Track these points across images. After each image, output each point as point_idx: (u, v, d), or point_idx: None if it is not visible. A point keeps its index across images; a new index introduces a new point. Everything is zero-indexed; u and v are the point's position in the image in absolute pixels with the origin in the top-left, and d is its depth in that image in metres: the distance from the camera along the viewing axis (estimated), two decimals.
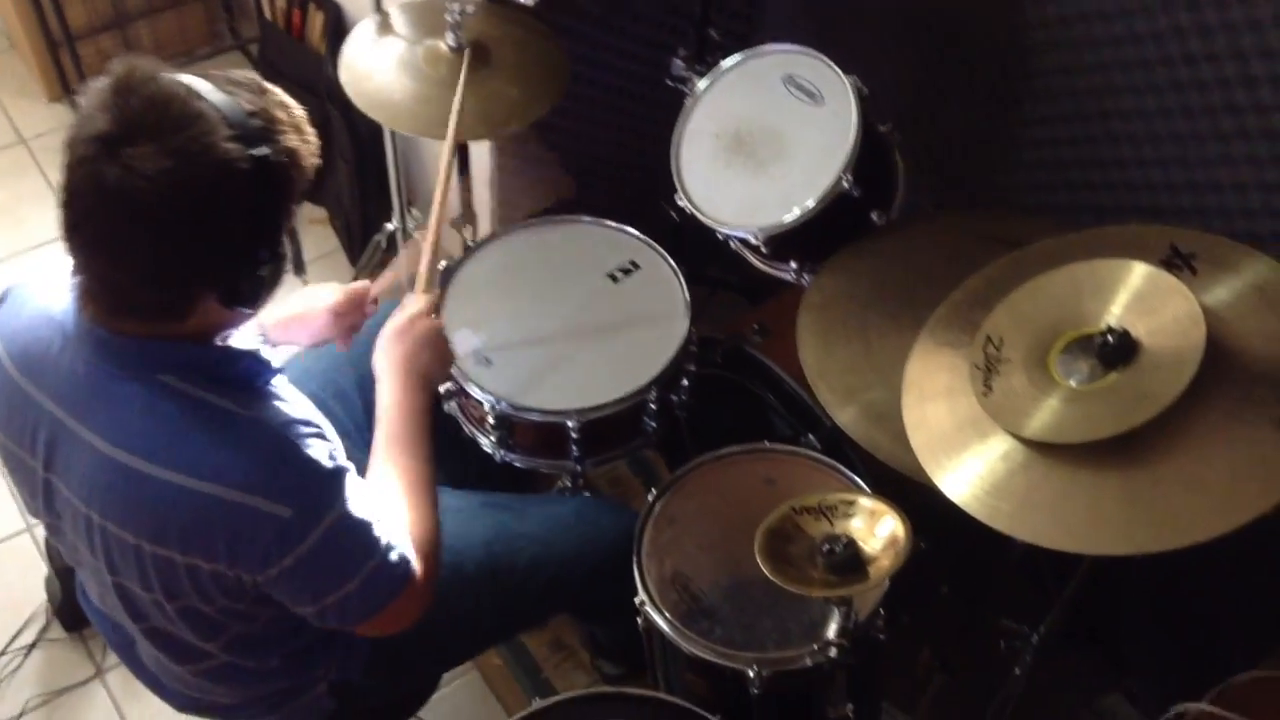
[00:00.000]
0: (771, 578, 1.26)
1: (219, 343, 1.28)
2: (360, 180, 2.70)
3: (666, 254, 1.91)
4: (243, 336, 1.38)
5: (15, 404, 1.31)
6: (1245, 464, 1.04)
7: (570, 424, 1.74)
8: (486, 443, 1.83)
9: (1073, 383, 1.17)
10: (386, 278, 1.82)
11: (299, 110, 1.23)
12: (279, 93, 1.22)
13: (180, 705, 1.58)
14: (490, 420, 1.78)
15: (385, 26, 1.99)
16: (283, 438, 1.24)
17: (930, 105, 2.09)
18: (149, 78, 1.14)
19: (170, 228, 1.13)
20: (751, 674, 1.46)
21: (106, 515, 1.27)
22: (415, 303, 1.56)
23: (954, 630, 1.96)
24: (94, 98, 1.14)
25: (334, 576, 1.28)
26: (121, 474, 1.23)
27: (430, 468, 1.45)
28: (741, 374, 1.98)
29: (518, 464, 1.84)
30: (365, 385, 1.86)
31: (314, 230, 3.03)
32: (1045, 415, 1.17)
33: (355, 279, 2.64)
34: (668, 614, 1.53)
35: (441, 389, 1.82)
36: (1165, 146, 1.71)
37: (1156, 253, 1.22)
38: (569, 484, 2.10)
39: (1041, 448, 1.15)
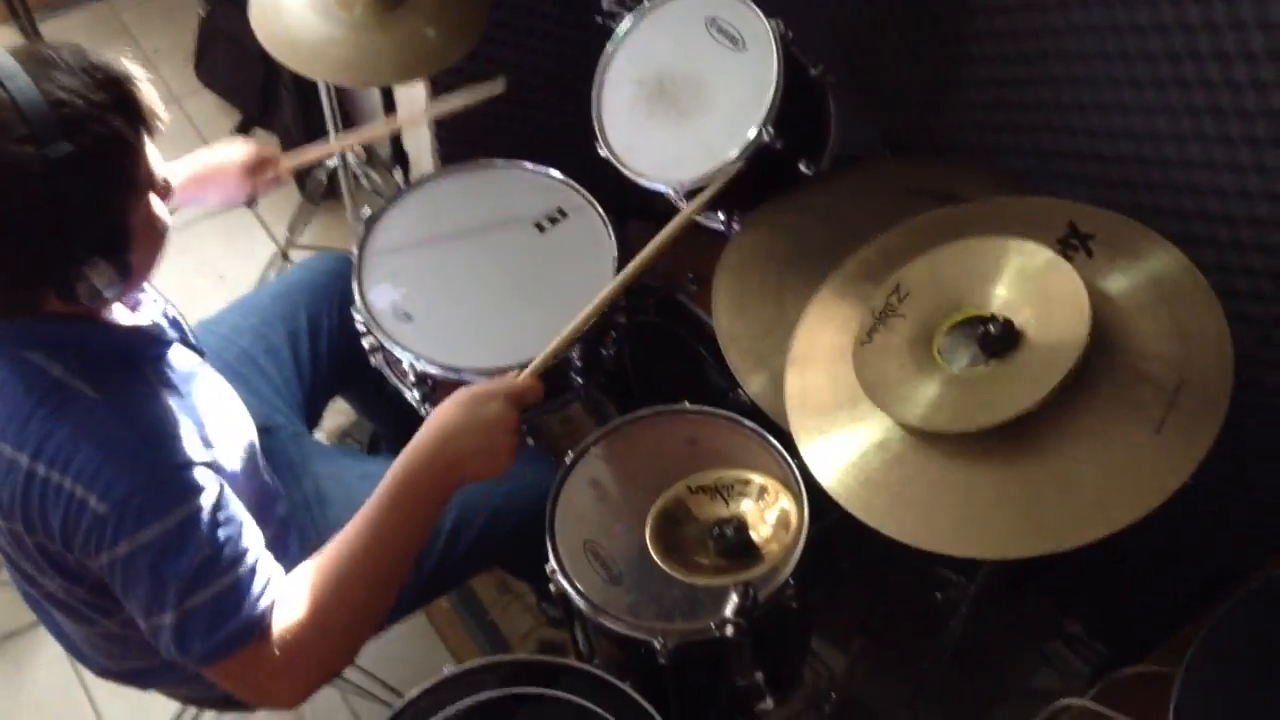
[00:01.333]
0: (661, 564, 1.24)
1: (108, 317, 1.24)
2: (303, 109, 2.63)
3: (595, 203, 1.85)
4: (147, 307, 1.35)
5: None
6: (1120, 468, 1.00)
7: None
8: (411, 397, 1.80)
9: (953, 368, 1.12)
10: (306, 153, 1.78)
11: (138, 88, 1.15)
12: (115, 67, 1.13)
13: (98, 672, 1.57)
14: (410, 377, 1.75)
15: None
16: (127, 431, 1.18)
17: (873, 42, 2.00)
18: None
19: None
20: (658, 645, 1.45)
21: None
22: (511, 383, 1.38)
23: (886, 587, 1.95)
24: None
25: (151, 596, 1.19)
26: None
27: (393, 557, 1.30)
28: (675, 325, 1.94)
29: None
30: (296, 341, 1.84)
31: None
32: (917, 398, 1.12)
33: (290, 233, 2.61)
34: (577, 583, 1.51)
35: (365, 343, 1.78)
36: (1103, 91, 1.63)
37: (1055, 230, 1.16)
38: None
39: (917, 437, 1.11)
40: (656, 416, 1.67)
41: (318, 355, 1.84)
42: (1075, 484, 1.01)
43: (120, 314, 1.31)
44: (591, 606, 1.49)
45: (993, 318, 1.09)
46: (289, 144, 2.81)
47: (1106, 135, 1.66)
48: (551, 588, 1.54)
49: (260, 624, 1.22)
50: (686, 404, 1.67)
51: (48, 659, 2.16)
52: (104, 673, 1.56)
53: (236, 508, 1.25)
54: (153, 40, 3.21)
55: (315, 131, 2.61)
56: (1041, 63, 1.70)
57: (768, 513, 1.26)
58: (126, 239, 1.17)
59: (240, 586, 1.21)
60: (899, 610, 1.93)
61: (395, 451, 1.82)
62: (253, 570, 1.23)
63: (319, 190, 2.52)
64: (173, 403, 1.24)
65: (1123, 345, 1.05)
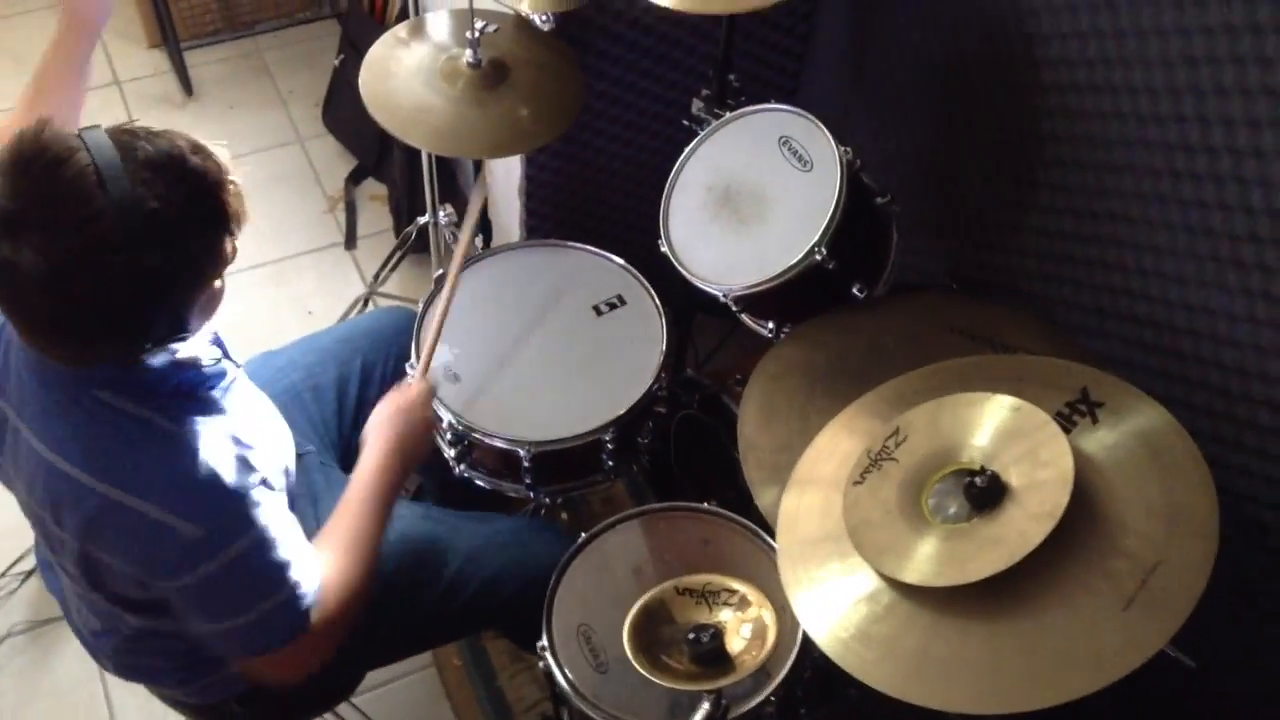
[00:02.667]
0: (632, 660, 1.26)
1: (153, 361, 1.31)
2: (410, 167, 2.74)
3: (654, 294, 1.90)
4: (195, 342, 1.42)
5: None
6: (1082, 639, 0.99)
7: (522, 453, 1.75)
8: (448, 454, 1.85)
9: (938, 518, 1.13)
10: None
11: (229, 194, 1.20)
12: (210, 175, 1.18)
13: (113, 669, 1.63)
14: (449, 435, 1.81)
15: (418, 29, 2.01)
16: (203, 457, 1.26)
17: (948, 179, 2.03)
18: (57, 159, 1.11)
19: (52, 314, 1.16)
20: None
21: (44, 506, 1.33)
22: (419, 387, 1.67)
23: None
24: (3, 162, 1.12)
25: (230, 604, 1.30)
26: (53, 473, 1.28)
27: (380, 533, 1.50)
28: (718, 423, 1.97)
29: (477, 480, 1.86)
30: (343, 386, 1.92)
31: (372, 206, 3.11)
32: (898, 547, 1.13)
33: (376, 277, 2.71)
34: (565, 666, 1.53)
35: None
36: (1163, 260, 1.62)
37: (1069, 392, 1.17)
38: (546, 500, 2.12)
39: (893, 584, 1.11)
40: (674, 513, 1.70)
41: (364, 401, 1.91)
42: (1038, 649, 1.00)
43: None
44: (574, 691, 1.51)
45: (981, 470, 1.10)
46: (395, 195, 2.94)
47: (1162, 303, 1.65)
48: (540, 665, 1.57)
49: (310, 612, 1.35)
50: (707, 505, 1.70)
51: (75, 649, 2.24)
52: (117, 670, 1.62)
53: (288, 512, 1.36)
54: (288, 81, 3.38)
55: (417, 187, 2.73)
56: (1108, 221, 1.71)
57: (744, 625, 1.27)
58: (189, 318, 1.25)
59: (299, 585, 1.33)
60: None
61: (441, 501, 1.93)
62: (304, 567, 1.35)
63: (410, 240, 2.62)
64: (231, 421, 1.32)
65: (1107, 516, 1.05)
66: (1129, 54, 1.57)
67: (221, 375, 1.38)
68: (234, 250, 1.27)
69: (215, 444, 1.28)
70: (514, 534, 1.80)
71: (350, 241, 3.03)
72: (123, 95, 3.34)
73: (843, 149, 1.63)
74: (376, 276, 2.69)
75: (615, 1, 2.02)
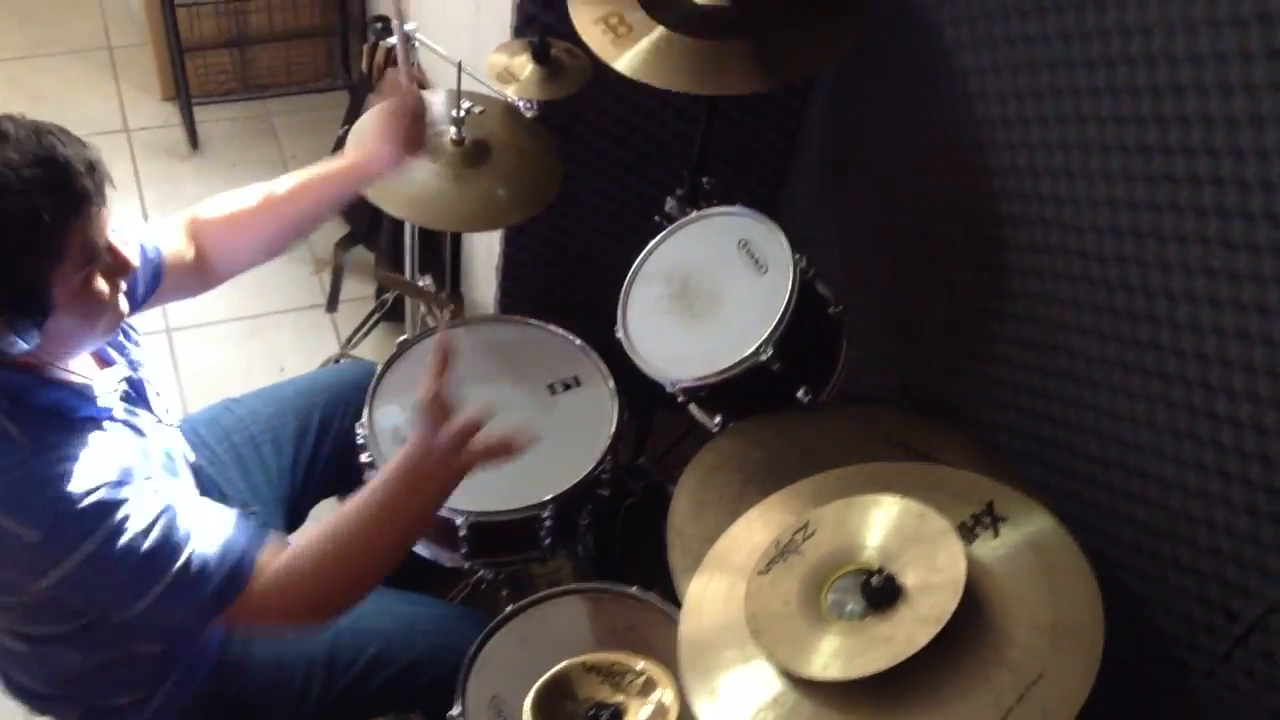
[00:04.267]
0: None
1: (50, 372, 1.34)
2: (395, 238, 2.80)
3: (611, 380, 1.94)
4: (97, 375, 1.44)
5: None
6: None
7: (459, 521, 1.77)
8: None
9: (833, 614, 1.15)
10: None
11: (76, 172, 1.23)
12: (58, 150, 1.22)
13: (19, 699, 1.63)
14: None
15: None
16: (52, 467, 1.27)
17: (906, 299, 2.09)
18: None
19: None
20: None
21: None
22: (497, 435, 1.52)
23: None
24: None
25: (134, 582, 1.31)
26: None
27: (394, 527, 1.46)
28: (659, 513, 1.98)
29: (415, 549, 1.87)
30: (300, 440, 1.94)
31: (359, 275, 3.16)
32: (792, 635, 1.15)
33: (348, 340, 2.75)
34: None
35: (363, 457, 1.87)
36: (1103, 396, 1.67)
37: (975, 504, 1.20)
38: (487, 575, 2.12)
39: (793, 681, 1.13)
40: (600, 594, 1.71)
41: (317, 456, 1.93)
42: None
43: (81, 366, 1.41)
44: None
45: (878, 571, 1.13)
46: (380, 263, 3.00)
47: (1097, 435, 1.69)
48: None
49: (245, 575, 1.35)
50: (635, 590, 1.71)
51: None
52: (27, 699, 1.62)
53: (180, 495, 1.37)
54: (293, 145, 3.47)
55: (401, 258, 2.79)
56: (1052, 354, 1.75)
57: (645, 707, 1.28)
58: (42, 305, 1.25)
59: (211, 554, 1.34)
60: None
61: None
62: (219, 536, 1.36)
63: (386, 306, 2.67)
64: (100, 445, 1.33)
65: (995, 625, 1.07)
66: (1079, 194, 1.63)
67: (101, 412, 1.39)
68: (105, 249, 1.29)
69: (66, 456, 1.29)
70: (438, 620, 1.80)
71: (332, 305, 3.08)
72: (130, 142, 3.42)
73: (797, 256, 1.68)
74: (350, 339, 2.73)
75: (601, 98, 2.10)
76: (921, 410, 1.92)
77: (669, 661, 1.46)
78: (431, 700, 1.77)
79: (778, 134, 2.36)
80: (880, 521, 1.19)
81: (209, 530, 1.37)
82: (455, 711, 1.56)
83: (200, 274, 1.70)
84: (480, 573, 2.14)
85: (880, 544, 1.17)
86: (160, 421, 1.53)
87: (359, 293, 3.11)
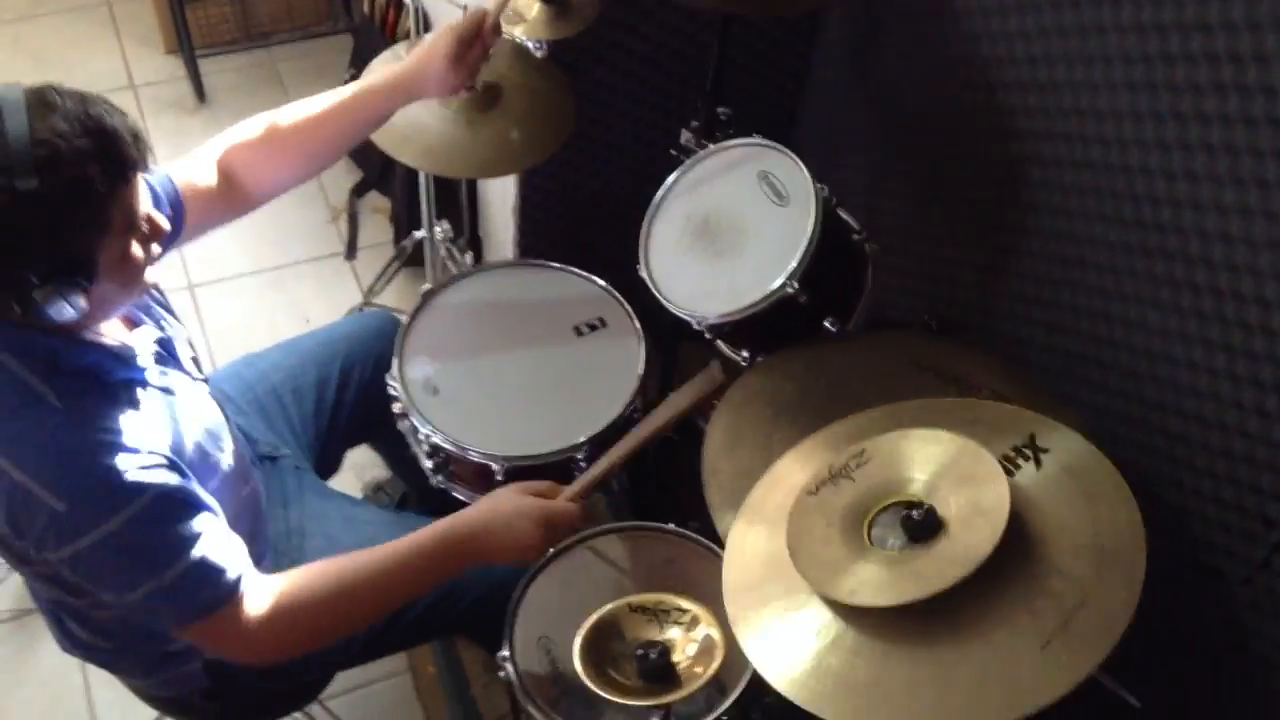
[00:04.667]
0: (582, 675, 1.29)
1: (85, 335, 1.34)
2: (410, 182, 2.79)
3: (635, 319, 1.94)
4: (132, 337, 1.44)
5: None
6: (995, 674, 1.02)
7: (496, 467, 1.79)
8: (424, 464, 1.89)
9: (874, 543, 1.16)
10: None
11: (124, 141, 1.23)
12: (106, 119, 1.22)
13: (66, 647, 1.65)
14: (425, 446, 1.85)
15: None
16: (86, 438, 1.28)
17: (929, 219, 2.07)
18: None
19: None
20: None
21: None
22: (555, 507, 1.57)
23: None
24: None
25: (115, 580, 1.33)
26: None
27: (390, 593, 1.50)
28: (690, 448, 2.00)
29: (454, 493, 1.90)
30: (322, 389, 1.96)
31: (375, 219, 3.17)
32: (829, 560, 1.16)
33: (370, 289, 2.75)
34: (523, 676, 1.57)
35: (395, 407, 1.89)
36: (1130, 307, 1.66)
37: (1017, 436, 1.21)
38: None
39: (839, 613, 1.15)
40: (639, 532, 1.73)
41: (341, 404, 1.95)
42: (953, 680, 1.04)
43: (112, 330, 1.41)
44: (530, 700, 1.54)
45: (919, 504, 1.14)
46: (396, 208, 3.00)
47: (1127, 349, 1.69)
48: (500, 673, 1.60)
49: (228, 594, 1.36)
50: (671, 526, 1.73)
51: None
52: (70, 649, 1.64)
53: (198, 496, 1.37)
54: (300, 92, 3.37)
55: (416, 202, 2.78)
56: (1079, 268, 1.74)
57: (691, 644, 1.30)
58: (89, 272, 1.26)
59: (204, 564, 1.34)
60: None
61: (421, 510, 1.94)
62: (215, 550, 1.36)
63: (406, 254, 2.67)
64: (137, 417, 1.34)
65: (1038, 555, 1.08)
66: (1101, 106, 1.61)
67: (138, 373, 1.40)
68: (146, 220, 1.30)
69: (99, 429, 1.30)
70: None
71: (351, 252, 3.08)
72: (137, 98, 3.40)
73: (819, 185, 1.67)
74: (371, 288, 2.74)
75: (609, 32, 2.07)
76: (948, 332, 1.92)
77: (710, 593, 1.49)
78: (471, 624, 1.81)
79: (791, 57, 2.32)
80: (931, 456, 1.19)
81: (214, 534, 1.37)
82: (504, 653, 1.59)
83: (229, 200, 1.66)
84: None
85: (927, 478, 1.18)
86: (192, 379, 1.54)
87: (377, 238, 3.11)
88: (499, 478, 1.80)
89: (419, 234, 2.56)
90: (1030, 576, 1.08)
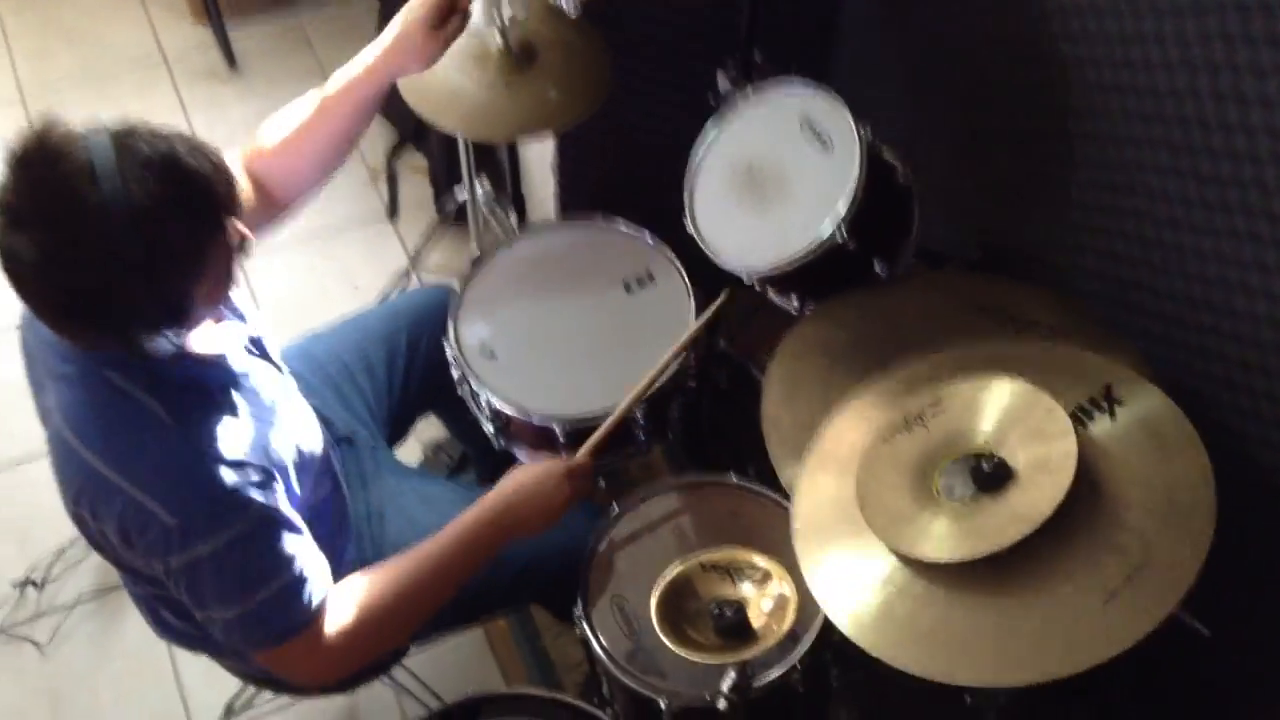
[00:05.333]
0: (659, 634, 1.33)
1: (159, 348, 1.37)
2: (447, 140, 2.79)
3: (683, 271, 1.95)
4: (222, 338, 1.48)
5: (30, 354, 1.48)
6: (1059, 626, 1.04)
7: (556, 429, 1.81)
8: (486, 428, 1.92)
9: (943, 493, 1.18)
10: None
11: (218, 187, 1.26)
12: (193, 176, 1.24)
13: (158, 633, 1.71)
14: (486, 410, 1.88)
15: None
16: (195, 453, 1.33)
17: (974, 148, 2.05)
18: (53, 156, 1.18)
19: (51, 303, 1.24)
20: (663, 705, 1.54)
21: (56, 467, 1.41)
22: (568, 463, 1.65)
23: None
24: (7, 159, 1.20)
25: (217, 595, 1.37)
26: (62, 442, 1.37)
27: (439, 593, 1.54)
28: (745, 397, 2.02)
29: (516, 454, 1.94)
30: (392, 362, 1.99)
31: (413, 178, 3.17)
32: (898, 509, 1.18)
33: (416, 252, 2.77)
34: (599, 633, 1.61)
35: (454, 374, 1.92)
36: (1183, 233, 1.65)
37: (1092, 386, 1.21)
38: None
39: (909, 564, 1.17)
40: (702, 486, 1.76)
41: (410, 377, 1.99)
42: (1016, 630, 1.06)
43: (199, 335, 1.43)
44: (608, 657, 1.59)
45: (989, 455, 1.15)
46: (434, 167, 3.00)
47: (1182, 277, 1.67)
48: (576, 632, 1.65)
49: (308, 620, 1.40)
50: (734, 478, 1.76)
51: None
52: (162, 632, 1.71)
53: (290, 518, 1.41)
54: (330, 53, 3.44)
55: (455, 159, 2.79)
56: (1130, 195, 1.73)
57: (766, 599, 1.33)
58: (188, 311, 1.30)
59: (291, 588, 1.39)
60: (931, 711, 1.95)
61: (479, 472, 1.97)
62: (302, 574, 1.40)
63: (450, 216, 2.69)
64: (238, 424, 1.39)
65: (1107, 509, 1.09)
66: (1146, 31, 1.58)
67: (234, 376, 1.44)
68: (242, 241, 1.33)
69: (211, 443, 1.34)
70: None
71: (392, 212, 3.10)
72: (170, 70, 3.41)
73: (863, 130, 1.66)
74: (418, 251, 2.76)
75: None
76: (998, 265, 1.91)
77: (775, 544, 1.51)
78: (554, 594, 1.85)
79: None
80: (1005, 407, 1.20)
81: (303, 556, 1.41)
82: (579, 611, 1.63)
83: (266, 210, 1.69)
84: None
85: (997, 429, 1.19)
86: (281, 372, 1.57)
87: (417, 197, 3.12)
88: (561, 439, 1.83)
89: (461, 196, 2.56)
90: (1099, 530, 1.09)
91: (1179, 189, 1.63)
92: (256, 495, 1.35)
